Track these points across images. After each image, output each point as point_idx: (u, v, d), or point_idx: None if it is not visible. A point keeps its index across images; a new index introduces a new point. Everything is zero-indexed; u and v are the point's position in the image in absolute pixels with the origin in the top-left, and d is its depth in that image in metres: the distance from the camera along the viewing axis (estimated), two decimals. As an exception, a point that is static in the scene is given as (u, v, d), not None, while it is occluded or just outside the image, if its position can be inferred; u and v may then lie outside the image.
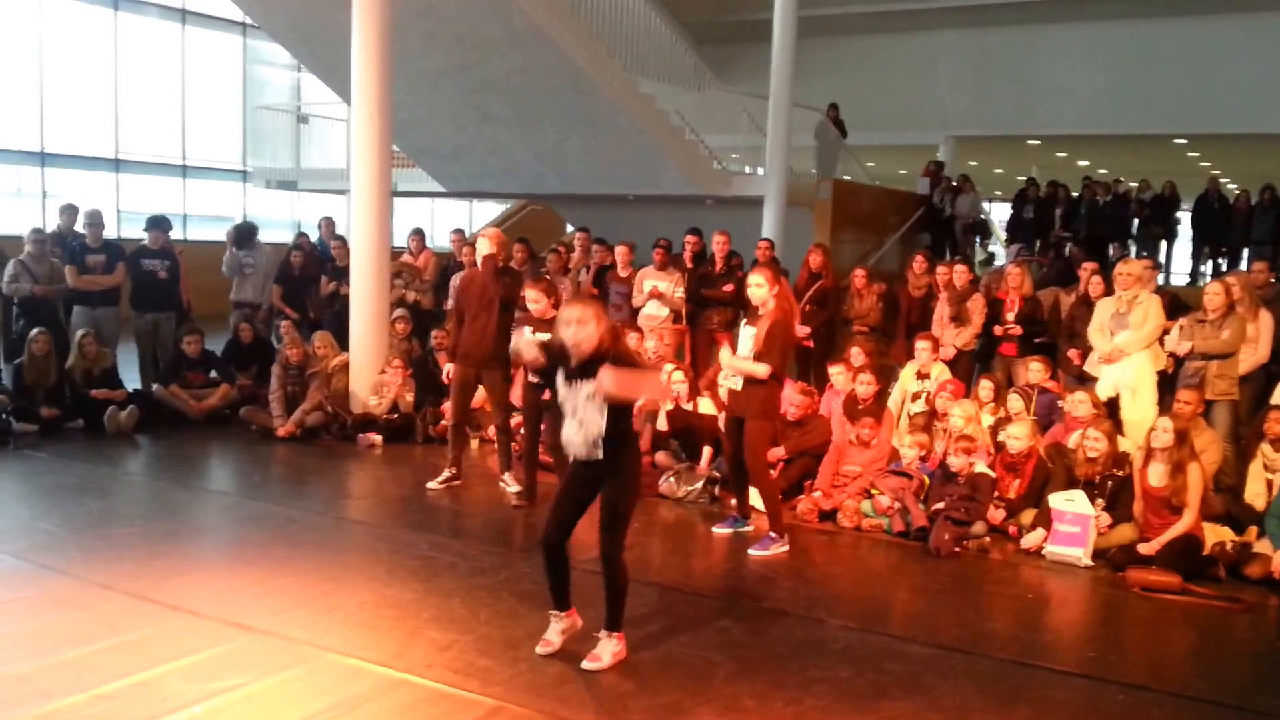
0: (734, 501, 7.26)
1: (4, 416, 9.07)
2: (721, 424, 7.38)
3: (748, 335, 6.71)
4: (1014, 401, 8.05)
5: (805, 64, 15.78)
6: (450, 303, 10.04)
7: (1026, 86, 21.45)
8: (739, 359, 6.71)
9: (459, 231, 12.19)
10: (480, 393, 8.29)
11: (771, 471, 7.25)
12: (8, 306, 10.62)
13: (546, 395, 7.17)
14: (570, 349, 4.65)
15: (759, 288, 6.66)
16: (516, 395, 8.21)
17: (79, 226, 10.77)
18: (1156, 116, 20.32)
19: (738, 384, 6.75)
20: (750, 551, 6.66)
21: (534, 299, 7.38)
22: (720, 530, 7.11)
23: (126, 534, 6.43)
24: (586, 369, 4.61)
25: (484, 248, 7.75)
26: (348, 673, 4.48)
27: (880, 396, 8.36)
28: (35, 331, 9.46)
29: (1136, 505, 6.80)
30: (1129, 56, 20.49)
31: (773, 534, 6.75)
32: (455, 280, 9.57)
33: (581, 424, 4.66)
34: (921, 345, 8.77)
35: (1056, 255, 15.89)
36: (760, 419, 6.73)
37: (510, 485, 7.79)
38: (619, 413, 4.65)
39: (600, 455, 4.65)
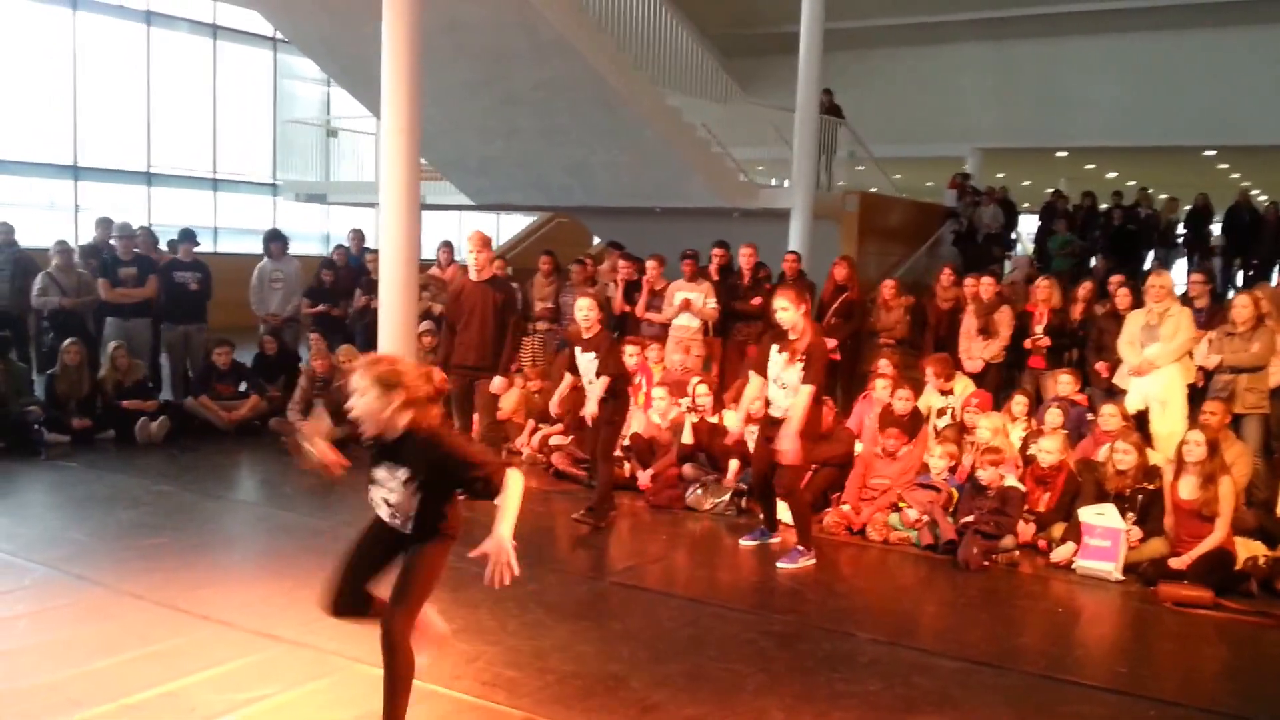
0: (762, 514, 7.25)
1: (36, 427, 9.17)
2: (750, 443, 7.30)
3: (779, 360, 6.67)
4: (1053, 415, 7.98)
5: (831, 77, 15.77)
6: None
7: (1053, 98, 21.35)
8: (790, 417, 6.54)
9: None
10: (508, 403, 8.31)
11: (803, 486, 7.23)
12: (38, 319, 10.72)
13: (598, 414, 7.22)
14: (360, 424, 3.76)
15: (785, 311, 6.59)
16: (554, 405, 8.19)
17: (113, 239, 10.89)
18: (1185, 128, 20.18)
19: (778, 411, 6.69)
20: (778, 564, 6.64)
21: (586, 308, 7.34)
22: (747, 542, 7.10)
23: (157, 544, 6.47)
24: (394, 452, 3.79)
25: (469, 255, 7.76)
26: (376, 683, 4.45)
27: (916, 412, 8.34)
28: (68, 342, 9.56)
29: (1167, 519, 6.75)
30: (1156, 68, 20.38)
31: (800, 547, 6.73)
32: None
33: (390, 505, 3.87)
34: (930, 371, 8.71)
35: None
36: (799, 439, 6.71)
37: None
38: (438, 499, 3.85)
39: (409, 531, 3.88)
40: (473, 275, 7.76)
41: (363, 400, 3.68)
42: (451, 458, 3.75)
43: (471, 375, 7.77)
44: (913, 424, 8.04)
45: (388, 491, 3.84)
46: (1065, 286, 10.18)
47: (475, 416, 8.17)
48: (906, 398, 8.08)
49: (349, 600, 3.98)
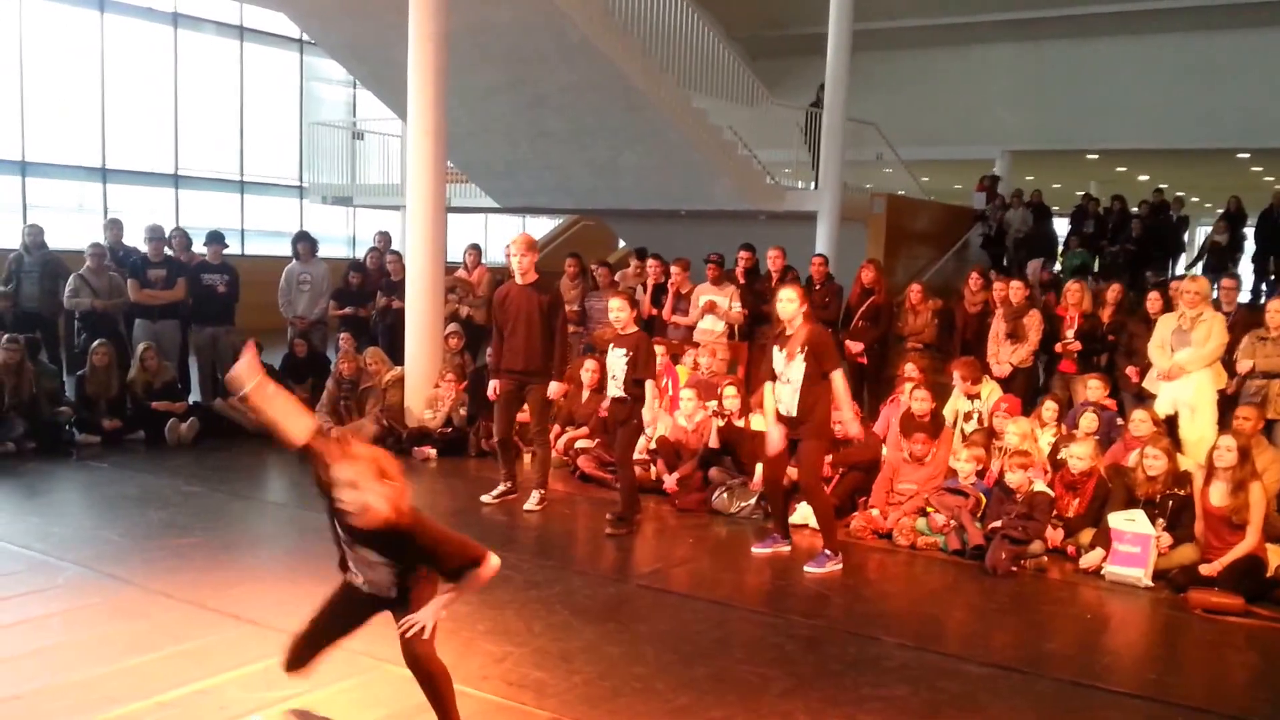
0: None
1: (67, 428, 9.26)
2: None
3: (780, 358, 6.71)
4: (1087, 420, 7.92)
5: (859, 79, 15.74)
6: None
7: (1083, 100, 21.24)
8: (838, 399, 6.73)
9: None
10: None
11: (825, 488, 7.23)
12: (70, 320, 10.82)
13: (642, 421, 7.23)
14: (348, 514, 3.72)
15: (790, 303, 6.67)
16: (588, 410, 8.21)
17: (138, 242, 10.98)
18: (1217, 131, 20.05)
19: (794, 408, 6.69)
20: (805, 569, 6.63)
21: (618, 308, 7.36)
22: (759, 550, 7.06)
23: (187, 544, 6.53)
24: (374, 539, 3.79)
25: (514, 259, 7.73)
26: (404, 683, 4.48)
27: (936, 414, 8.31)
28: (96, 343, 9.64)
29: (1198, 525, 6.69)
30: (1188, 69, 20.25)
31: (827, 551, 6.72)
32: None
33: (369, 581, 3.96)
34: (957, 375, 8.67)
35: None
36: (816, 439, 6.71)
37: (531, 500, 7.80)
38: (417, 573, 3.89)
39: (393, 595, 3.93)
40: (517, 279, 7.74)
41: (352, 495, 3.64)
42: (432, 553, 3.80)
43: (521, 380, 7.75)
44: (933, 426, 8.01)
45: (367, 568, 3.90)
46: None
47: (524, 423, 8.21)
48: (924, 399, 8.07)
49: (308, 660, 4.07)
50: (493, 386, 8.00)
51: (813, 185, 15.62)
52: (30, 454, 8.81)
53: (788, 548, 7.05)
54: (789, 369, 6.65)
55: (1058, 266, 17.25)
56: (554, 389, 7.75)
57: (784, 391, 6.71)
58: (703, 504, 7.99)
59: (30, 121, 17.55)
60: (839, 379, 6.65)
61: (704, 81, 15.43)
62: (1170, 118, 20.35)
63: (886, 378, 10.30)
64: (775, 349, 6.79)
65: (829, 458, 7.94)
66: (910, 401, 8.14)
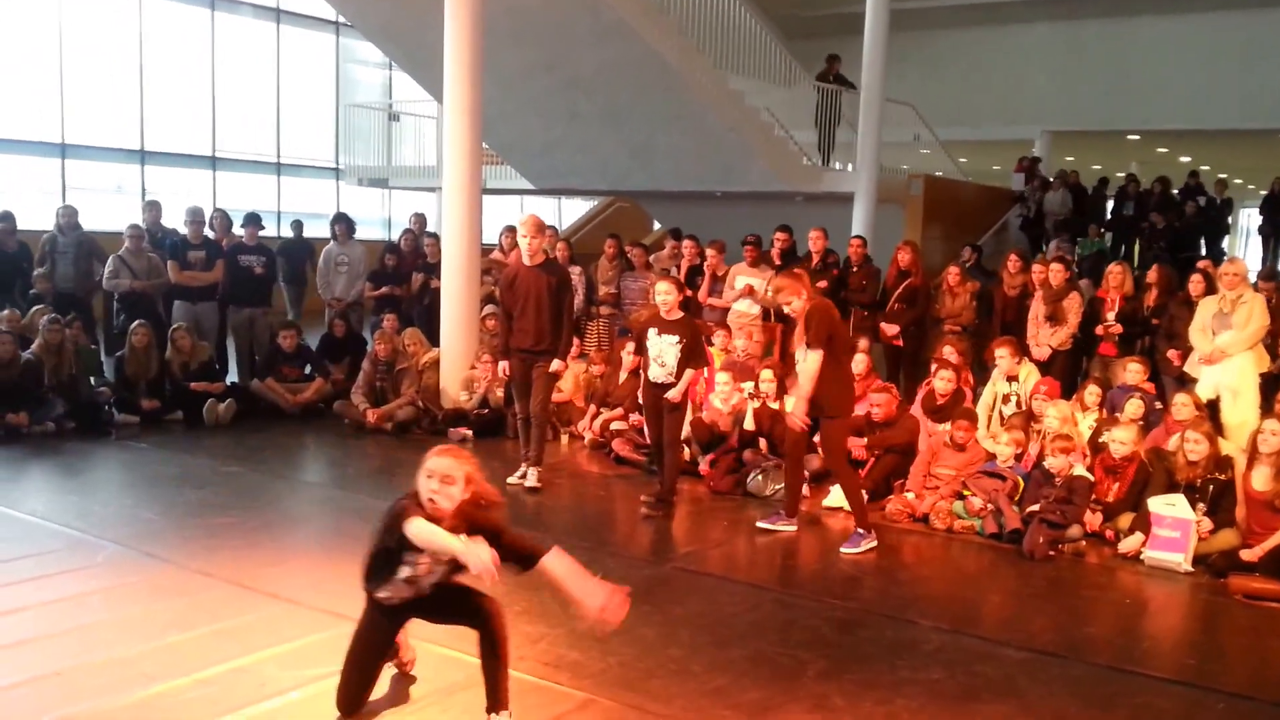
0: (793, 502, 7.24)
1: (106, 408, 9.35)
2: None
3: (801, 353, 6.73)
4: (1133, 405, 7.81)
5: (897, 58, 15.62)
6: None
7: (1123, 80, 20.97)
8: (798, 388, 6.74)
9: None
10: (567, 385, 8.30)
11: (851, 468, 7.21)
12: (109, 301, 10.91)
13: (672, 397, 7.22)
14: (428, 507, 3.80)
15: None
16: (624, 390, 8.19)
17: (177, 223, 11.07)
18: (1260, 111, 19.71)
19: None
20: (841, 550, 6.61)
21: (665, 290, 7.33)
22: (764, 525, 7.04)
23: (225, 523, 6.57)
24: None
25: (523, 239, 7.72)
26: (442, 662, 4.53)
27: (957, 396, 8.25)
28: (135, 324, 9.72)
29: (1239, 510, 6.61)
30: (1231, 48, 19.94)
31: (860, 530, 6.71)
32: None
33: (415, 586, 4.00)
34: (1000, 353, 8.59)
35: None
36: (835, 416, 6.70)
37: (528, 478, 7.79)
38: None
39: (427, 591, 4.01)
40: (525, 260, 7.75)
41: (446, 490, 3.78)
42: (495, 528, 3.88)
43: (530, 359, 7.78)
44: (952, 407, 7.96)
45: (428, 575, 3.94)
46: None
47: (562, 403, 8.20)
48: (948, 379, 8.01)
49: (365, 699, 4.12)
50: (502, 368, 8.06)
51: (849, 166, 15.53)
52: (70, 434, 8.90)
53: (792, 528, 7.02)
54: (800, 350, 6.69)
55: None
56: (555, 365, 7.81)
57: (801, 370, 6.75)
58: (737, 486, 7.96)
59: (69, 104, 17.70)
60: (812, 360, 6.56)
61: (741, 62, 15.36)
62: (1213, 97, 20.04)
63: (924, 360, 10.22)
64: (796, 335, 6.84)
65: (863, 440, 7.92)
66: (934, 380, 8.10)
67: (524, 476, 7.85)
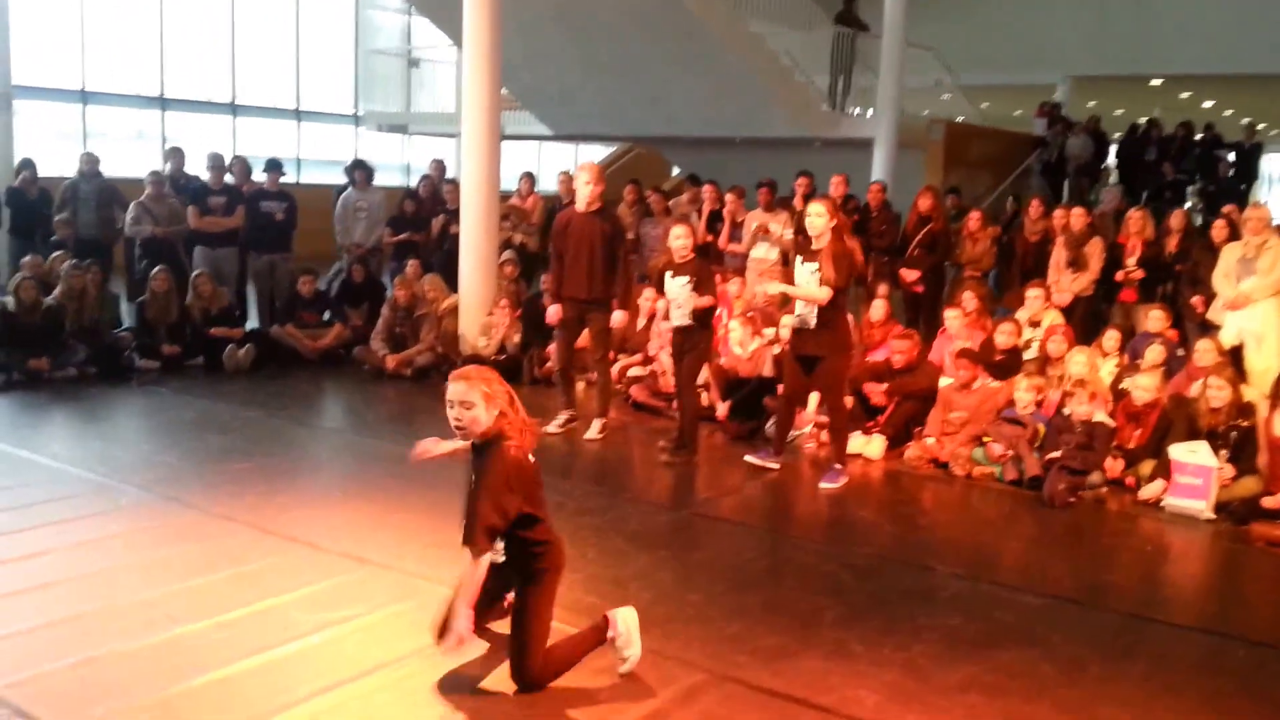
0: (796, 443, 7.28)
1: (127, 353, 9.39)
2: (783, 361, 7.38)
3: (805, 271, 6.64)
4: (1154, 351, 7.76)
5: (919, 2, 15.38)
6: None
7: (1147, 24, 20.59)
8: (799, 288, 6.67)
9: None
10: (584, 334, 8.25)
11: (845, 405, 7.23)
12: (130, 248, 10.93)
13: (703, 303, 7.21)
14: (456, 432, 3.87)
15: (819, 217, 6.60)
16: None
17: (198, 170, 11.06)
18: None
19: (811, 319, 6.67)
20: (821, 485, 6.75)
21: (681, 234, 7.28)
22: (751, 459, 7.13)
23: (245, 468, 6.60)
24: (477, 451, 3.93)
25: (583, 185, 7.64)
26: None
27: (987, 342, 8.21)
28: (156, 269, 9.74)
29: (1261, 457, 6.57)
30: (1255, -8, 19.55)
31: (836, 465, 6.85)
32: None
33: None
34: (1034, 294, 8.54)
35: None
36: (838, 354, 6.71)
37: (592, 429, 7.80)
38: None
39: (502, 558, 3.96)
40: (580, 206, 7.67)
41: (469, 413, 3.80)
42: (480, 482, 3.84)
43: (582, 308, 7.71)
44: (984, 355, 7.93)
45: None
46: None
47: (579, 349, 8.18)
48: (1010, 331, 8.05)
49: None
50: (554, 310, 7.92)
51: (869, 112, 15.37)
52: (91, 379, 8.94)
53: (776, 465, 7.08)
54: (800, 277, 6.67)
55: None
56: (618, 317, 7.71)
57: (801, 304, 6.71)
58: (755, 432, 7.95)
59: (90, 51, 17.64)
60: (822, 295, 6.53)
61: (759, 5, 15.17)
62: (1236, 42, 19.61)
63: (945, 306, 10.17)
64: (799, 261, 6.74)
65: (883, 386, 7.89)
66: (996, 335, 8.08)
67: (564, 425, 7.88)
